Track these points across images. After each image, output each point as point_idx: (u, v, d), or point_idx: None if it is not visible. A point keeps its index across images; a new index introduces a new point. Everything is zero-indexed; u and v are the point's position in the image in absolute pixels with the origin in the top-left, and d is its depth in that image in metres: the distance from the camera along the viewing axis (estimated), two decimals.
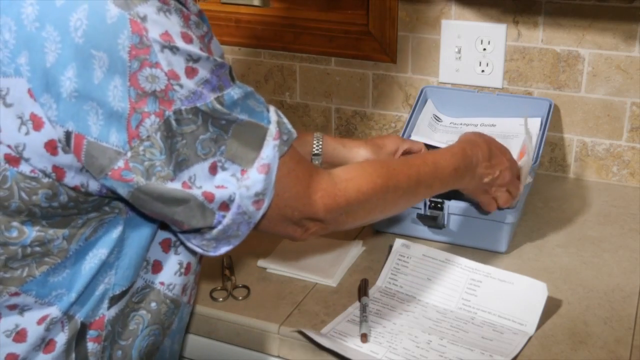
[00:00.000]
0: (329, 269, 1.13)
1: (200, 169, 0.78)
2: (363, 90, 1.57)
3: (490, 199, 1.11)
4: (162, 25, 0.74)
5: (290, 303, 1.07)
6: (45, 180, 0.78)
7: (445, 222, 1.18)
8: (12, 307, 0.83)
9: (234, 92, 0.80)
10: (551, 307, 1.04)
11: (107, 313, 0.86)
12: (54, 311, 0.84)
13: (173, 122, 0.75)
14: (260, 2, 1.61)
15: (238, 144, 0.79)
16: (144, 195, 0.78)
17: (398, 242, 1.14)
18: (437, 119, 1.46)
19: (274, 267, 1.14)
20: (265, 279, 1.12)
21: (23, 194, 0.78)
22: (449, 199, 1.18)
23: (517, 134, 1.36)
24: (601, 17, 1.34)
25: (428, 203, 1.18)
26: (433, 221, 1.18)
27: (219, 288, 1.09)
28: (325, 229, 0.91)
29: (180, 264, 0.90)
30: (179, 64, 0.75)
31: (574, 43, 1.38)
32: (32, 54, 0.73)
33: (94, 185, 0.79)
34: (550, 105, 1.38)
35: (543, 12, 1.38)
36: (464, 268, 1.09)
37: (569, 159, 1.46)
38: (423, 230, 1.21)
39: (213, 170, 0.79)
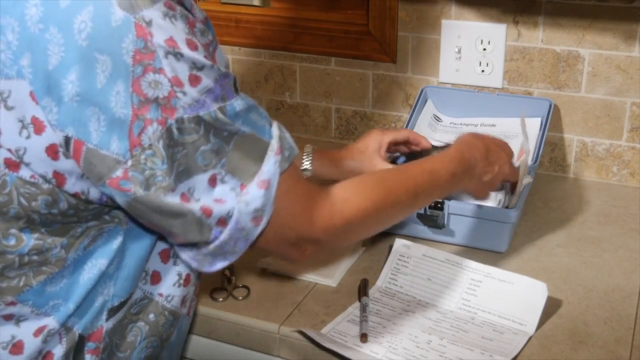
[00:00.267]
0: (329, 269, 1.13)
1: (199, 181, 0.77)
2: (363, 90, 1.57)
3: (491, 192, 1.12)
4: (167, 30, 0.73)
5: (290, 303, 1.07)
6: (45, 186, 0.77)
7: (445, 222, 1.18)
8: (8, 317, 0.82)
9: (237, 103, 0.78)
10: (551, 307, 1.04)
11: (106, 325, 0.85)
12: (50, 322, 0.83)
13: (175, 131, 0.74)
14: (260, 2, 1.61)
15: (239, 157, 0.78)
16: (141, 206, 0.76)
17: (398, 242, 1.14)
18: (437, 119, 1.46)
19: (274, 267, 1.14)
20: (265, 279, 1.12)
21: (22, 200, 0.77)
22: (449, 199, 1.18)
23: (517, 134, 1.36)
24: (601, 17, 1.34)
25: None
26: (433, 221, 1.18)
27: (219, 288, 1.09)
28: (322, 250, 0.90)
29: (180, 274, 0.89)
30: (182, 71, 0.74)
31: (574, 43, 1.38)
32: (34, 56, 0.72)
33: (94, 193, 0.78)
34: (550, 105, 1.38)
35: (543, 12, 1.38)
36: (464, 268, 1.09)
37: (569, 159, 1.46)
38: (423, 230, 1.21)
39: (213, 182, 0.77)
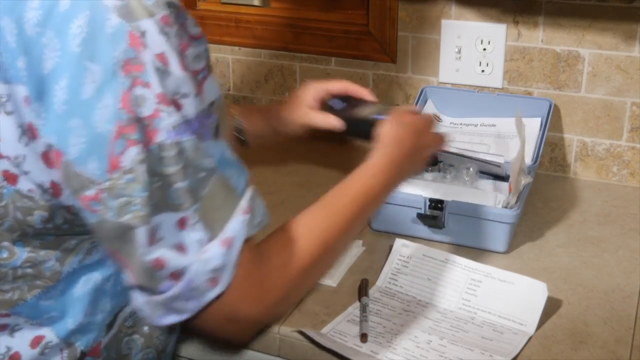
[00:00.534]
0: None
1: (168, 219, 0.73)
2: None
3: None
4: (160, 45, 0.70)
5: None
6: (42, 200, 0.75)
7: (445, 222, 1.18)
8: (2, 328, 0.81)
9: (214, 148, 0.75)
10: (551, 307, 1.04)
11: (103, 339, 0.84)
12: (48, 334, 0.81)
13: (156, 157, 0.71)
14: (260, 2, 1.61)
15: (213, 206, 0.74)
16: (107, 231, 0.73)
17: (398, 242, 1.14)
18: (437, 119, 1.46)
19: None
20: None
21: (18, 214, 0.76)
22: (449, 198, 1.18)
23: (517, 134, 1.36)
24: (601, 17, 1.34)
25: (428, 203, 1.18)
26: (433, 221, 1.18)
27: None
28: (263, 324, 0.86)
29: None
30: (169, 91, 0.71)
31: (574, 43, 1.38)
32: (30, 60, 0.71)
33: None
34: (550, 105, 1.38)
35: (543, 12, 1.38)
36: (464, 268, 1.09)
37: (569, 159, 1.46)
38: (423, 230, 1.21)
39: (182, 225, 0.73)
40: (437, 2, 1.45)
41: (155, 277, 0.74)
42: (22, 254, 0.78)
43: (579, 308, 1.06)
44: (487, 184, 1.27)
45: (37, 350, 0.81)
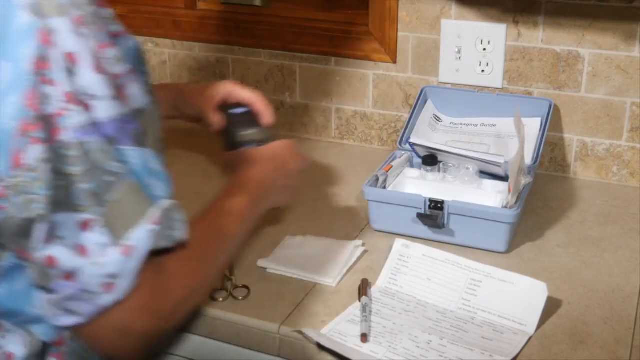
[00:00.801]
0: (329, 269, 1.13)
1: (69, 219, 0.72)
2: (363, 90, 1.57)
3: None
4: (71, 44, 0.70)
5: (290, 303, 1.07)
6: None
7: (445, 222, 1.18)
8: None
9: (131, 154, 0.74)
10: (551, 307, 1.04)
11: (66, 331, 0.83)
12: (4, 323, 0.81)
13: (60, 156, 0.70)
14: (260, 2, 1.61)
15: (118, 211, 0.73)
16: (8, 228, 0.73)
17: (398, 242, 1.14)
18: (437, 119, 1.46)
19: (274, 267, 1.14)
20: (265, 279, 1.12)
21: None
22: (449, 198, 1.18)
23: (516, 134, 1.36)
24: (601, 17, 1.34)
25: (428, 203, 1.18)
26: (433, 221, 1.18)
27: (219, 288, 1.09)
28: (154, 339, 0.85)
29: None
30: (77, 90, 0.70)
31: (574, 43, 1.38)
32: None
33: None
34: (550, 105, 1.38)
35: (543, 12, 1.38)
36: (464, 268, 1.09)
37: (569, 159, 1.46)
38: (423, 230, 1.21)
39: (84, 226, 0.73)
40: (437, 2, 1.45)
41: (47, 274, 0.74)
42: None
43: (579, 308, 1.06)
44: (487, 184, 1.27)
45: None
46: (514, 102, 1.39)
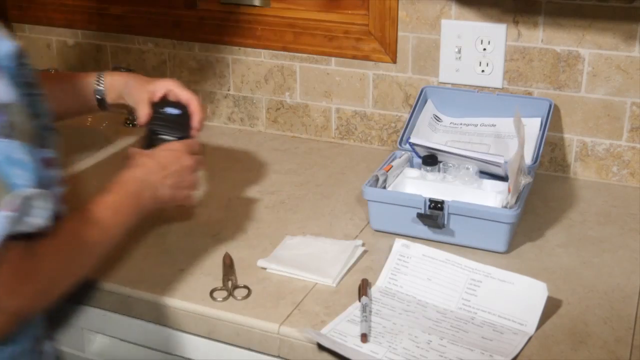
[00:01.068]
0: (329, 269, 1.13)
1: None
2: (363, 90, 1.57)
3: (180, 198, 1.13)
4: None
5: (290, 303, 1.07)
6: None
7: (445, 222, 1.18)
8: None
9: None
10: (551, 307, 1.04)
11: None
12: None
13: None
14: (260, 2, 1.61)
15: None
16: None
17: (398, 242, 1.14)
18: (437, 119, 1.46)
19: (274, 267, 1.14)
20: (265, 279, 1.12)
21: None
22: (449, 198, 1.18)
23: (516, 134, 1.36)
24: (601, 17, 1.34)
25: (428, 203, 1.18)
26: (433, 221, 1.18)
27: (219, 288, 1.09)
28: (24, 317, 0.88)
29: None
30: None
31: (574, 43, 1.38)
32: None
33: None
34: (550, 105, 1.38)
35: (543, 12, 1.38)
36: (464, 268, 1.09)
37: (569, 159, 1.46)
38: (423, 230, 1.21)
39: None
40: (437, 2, 1.45)
41: None
42: None
43: (579, 308, 1.06)
44: (487, 184, 1.27)
45: None
46: (514, 102, 1.39)
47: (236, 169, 1.51)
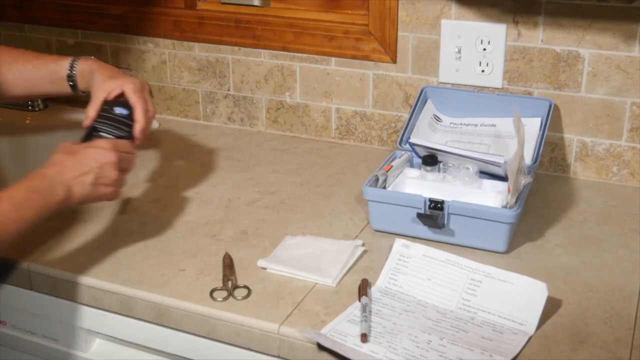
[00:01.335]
0: (329, 269, 1.13)
1: None
2: (363, 90, 1.57)
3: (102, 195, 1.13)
4: None
5: (290, 303, 1.07)
6: None
7: (445, 222, 1.18)
8: None
9: None
10: (551, 307, 1.04)
11: None
12: None
13: None
14: (260, 2, 1.61)
15: None
16: None
17: (398, 242, 1.14)
18: (437, 119, 1.46)
19: (274, 267, 1.14)
20: (265, 279, 1.12)
21: None
22: (449, 198, 1.18)
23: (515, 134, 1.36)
24: (601, 17, 1.34)
25: (428, 203, 1.18)
26: (433, 221, 1.18)
27: (219, 288, 1.09)
28: None
29: None
30: None
31: (574, 43, 1.38)
32: None
33: None
34: (550, 105, 1.38)
35: (543, 12, 1.38)
36: (464, 268, 1.09)
37: (569, 159, 1.46)
38: (423, 230, 1.21)
39: None
40: (437, 2, 1.45)
41: None
42: None
43: (579, 308, 1.06)
44: (487, 184, 1.27)
45: None
46: (514, 102, 1.39)
47: (236, 169, 1.51)
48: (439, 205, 1.17)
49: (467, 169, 1.27)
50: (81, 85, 1.27)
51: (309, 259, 1.16)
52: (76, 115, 1.70)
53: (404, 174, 1.31)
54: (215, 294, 1.08)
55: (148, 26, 1.71)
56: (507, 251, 1.19)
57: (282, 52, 1.61)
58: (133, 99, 1.21)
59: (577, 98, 1.41)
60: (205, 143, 1.63)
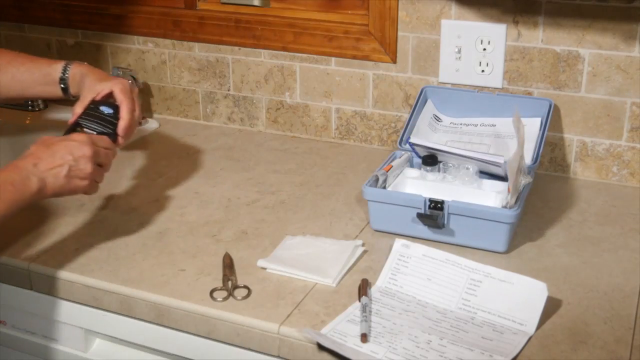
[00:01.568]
0: (329, 269, 1.13)
1: None
2: (363, 90, 1.57)
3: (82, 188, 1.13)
4: None
5: (290, 303, 1.07)
6: None
7: (445, 222, 1.18)
8: None
9: None
10: (551, 307, 1.04)
11: None
12: None
13: None
14: (260, 2, 1.61)
15: None
16: None
17: (398, 242, 1.14)
18: (437, 119, 1.46)
19: (274, 267, 1.14)
20: (265, 279, 1.12)
21: None
22: (449, 198, 1.18)
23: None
24: (601, 17, 1.34)
25: (428, 203, 1.18)
26: (433, 221, 1.18)
27: (219, 288, 1.09)
28: None
29: None
30: None
31: (574, 43, 1.38)
32: None
33: None
34: (550, 105, 1.38)
35: (543, 12, 1.38)
36: (464, 268, 1.09)
37: (569, 159, 1.46)
38: (423, 230, 1.21)
39: None
40: (437, 2, 1.45)
41: None
42: None
43: (579, 308, 1.06)
44: (487, 184, 1.27)
45: None
46: (514, 102, 1.39)
47: (236, 169, 1.51)
48: (439, 205, 1.17)
49: (467, 169, 1.27)
50: (72, 89, 1.28)
51: (309, 259, 1.16)
52: None
53: (404, 174, 1.31)
54: (215, 294, 1.08)
55: (148, 26, 1.71)
56: (507, 251, 1.19)
57: (282, 52, 1.61)
58: (120, 97, 1.22)
59: (577, 98, 1.41)
60: (205, 143, 1.63)
